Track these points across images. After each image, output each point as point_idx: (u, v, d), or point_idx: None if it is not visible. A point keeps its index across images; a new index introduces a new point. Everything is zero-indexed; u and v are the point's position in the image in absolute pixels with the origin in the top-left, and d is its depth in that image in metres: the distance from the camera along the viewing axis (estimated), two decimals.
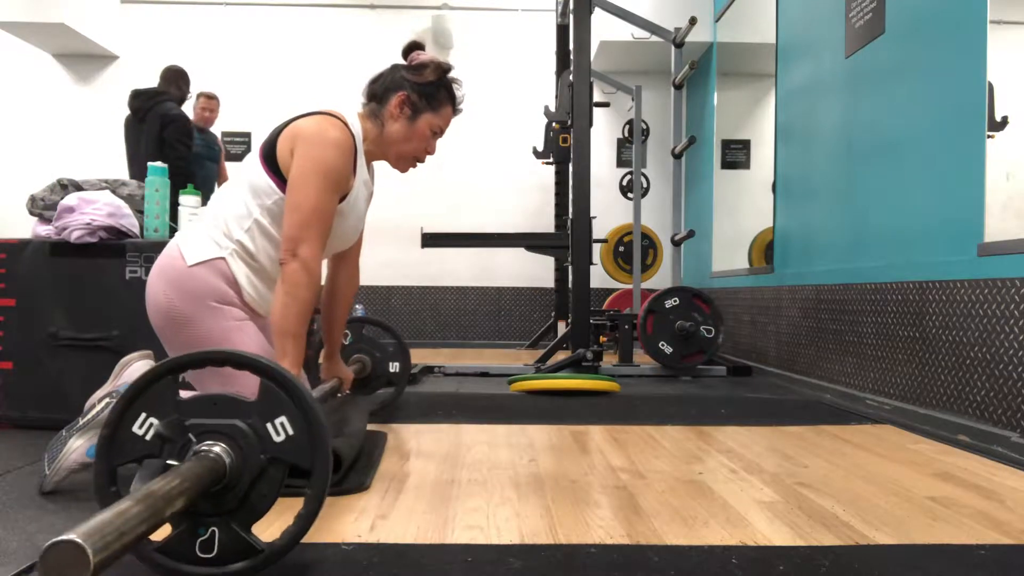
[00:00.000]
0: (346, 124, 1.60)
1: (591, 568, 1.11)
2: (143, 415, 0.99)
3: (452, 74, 1.73)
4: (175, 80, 4.39)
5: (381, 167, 1.82)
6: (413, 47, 1.73)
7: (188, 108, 4.49)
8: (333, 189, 1.56)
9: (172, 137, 4.15)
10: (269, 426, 1.00)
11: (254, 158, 1.61)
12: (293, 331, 1.49)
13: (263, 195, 1.57)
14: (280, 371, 1.01)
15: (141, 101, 4.23)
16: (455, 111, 1.74)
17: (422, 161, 1.75)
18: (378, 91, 1.69)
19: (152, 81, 4.43)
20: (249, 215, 1.57)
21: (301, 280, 1.50)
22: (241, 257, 1.58)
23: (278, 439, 1.00)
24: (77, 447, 1.60)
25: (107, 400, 1.67)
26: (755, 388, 3.39)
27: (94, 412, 1.65)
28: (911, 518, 1.39)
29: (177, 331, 1.55)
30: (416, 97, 1.66)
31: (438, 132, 1.72)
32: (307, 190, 1.51)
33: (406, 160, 1.73)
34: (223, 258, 1.56)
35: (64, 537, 0.66)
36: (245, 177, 1.60)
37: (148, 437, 0.99)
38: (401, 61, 1.73)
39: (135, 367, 1.73)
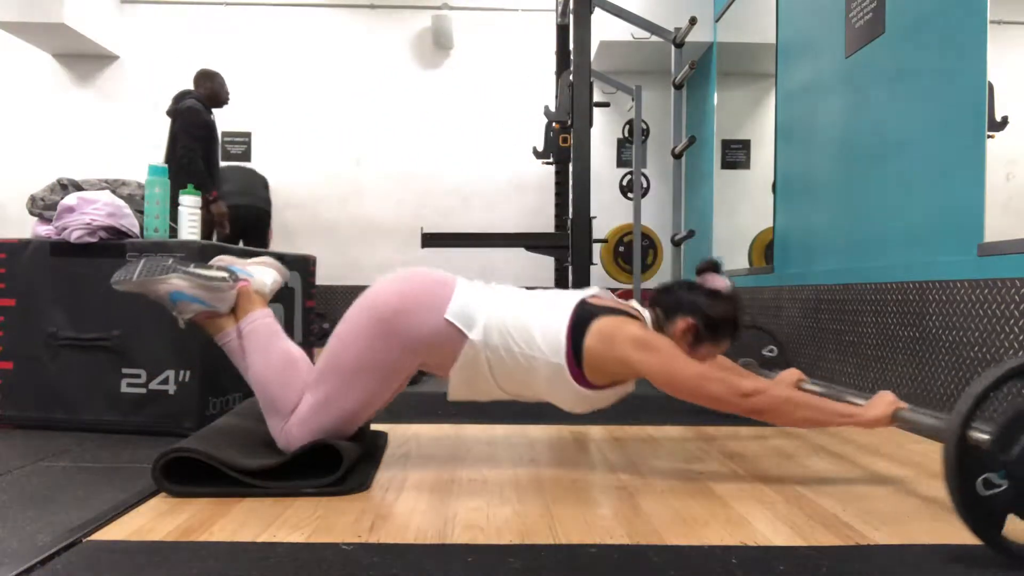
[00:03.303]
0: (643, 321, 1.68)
1: (591, 568, 1.11)
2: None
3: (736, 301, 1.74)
4: (199, 80, 4.53)
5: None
6: (709, 267, 1.75)
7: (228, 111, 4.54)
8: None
9: (178, 128, 4.22)
10: None
11: (562, 320, 1.60)
12: (806, 403, 1.59)
13: (550, 351, 1.57)
14: None
15: (172, 103, 4.35)
16: (732, 342, 1.75)
17: None
18: (670, 305, 1.70)
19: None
20: (522, 351, 1.57)
21: (763, 399, 1.54)
22: (477, 354, 1.58)
23: None
24: (174, 284, 1.59)
25: (227, 274, 1.65)
26: None
27: (209, 273, 1.63)
28: (911, 518, 1.39)
29: (367, 322, 1.57)
30: (703, 327, 1.67)
31: (711, 358, 1.74)
32: (679, 370, 1.55)
33: None
34: (469, 341, 1.57)
35: None
36: (549, 325, 1.60)
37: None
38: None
39: (268, 269, 1.74)
